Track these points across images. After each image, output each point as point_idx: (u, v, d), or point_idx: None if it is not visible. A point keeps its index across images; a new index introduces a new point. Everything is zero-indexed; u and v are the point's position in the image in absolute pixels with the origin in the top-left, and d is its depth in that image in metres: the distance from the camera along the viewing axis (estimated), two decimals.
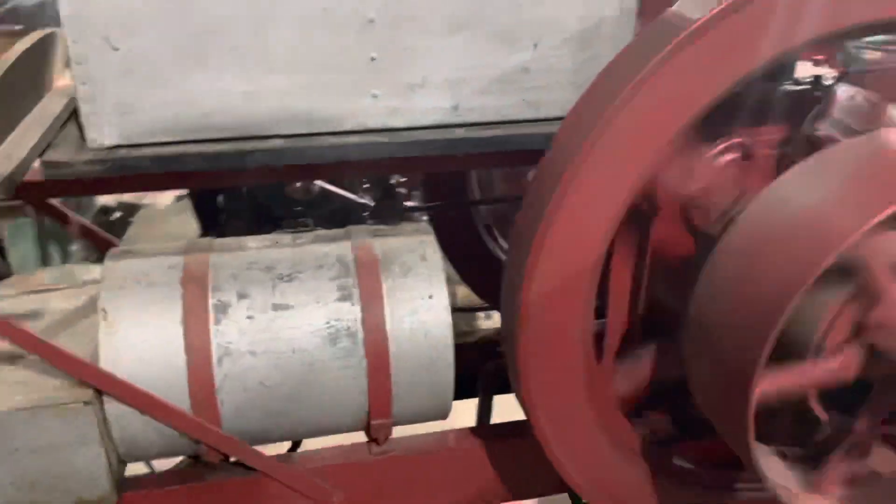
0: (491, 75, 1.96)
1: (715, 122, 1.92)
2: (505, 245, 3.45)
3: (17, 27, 3.37)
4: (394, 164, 2.02)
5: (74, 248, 4.79)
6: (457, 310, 2.12)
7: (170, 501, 2.11)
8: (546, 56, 1.96)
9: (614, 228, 1.87)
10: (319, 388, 2.01)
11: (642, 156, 1.81)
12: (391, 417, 2.09)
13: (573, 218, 1.82)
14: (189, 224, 4.36)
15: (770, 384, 1.64)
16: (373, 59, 1.88)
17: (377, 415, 2.07)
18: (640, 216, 2.01)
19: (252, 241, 2.17)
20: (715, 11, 1.68)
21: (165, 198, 5.32)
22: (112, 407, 1.89)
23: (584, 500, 2.34)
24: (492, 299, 3.42)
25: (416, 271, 2.08)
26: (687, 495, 2.23)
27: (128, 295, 1.96)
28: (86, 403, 1.85)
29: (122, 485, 2.05)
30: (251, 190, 3.85)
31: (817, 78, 2.14)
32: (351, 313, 2.00)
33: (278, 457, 2.20)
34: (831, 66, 2.29)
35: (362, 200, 3.60)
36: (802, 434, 1.92)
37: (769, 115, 2.09)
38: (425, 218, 3.39)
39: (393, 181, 3.21)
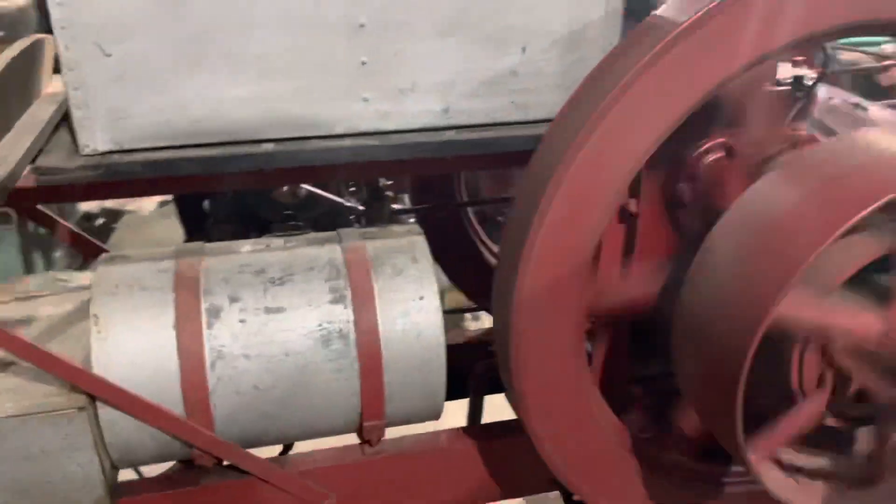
0: (480, 78, 1.98)
1: (699, 122, 1.95)
2: (493, 246, 3.48)
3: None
4: (385, 166, 2.03)
5: (58, 255, 4.76)
6: (445, 311, 2.13)
7: None
8: (534, 59, 1.99)
9: (603, 228, 1.90)
10: (312, 391, 2.02)
11: (629, 157, 1.84)
12: (384, 418, 2.10)
13: (563, 218, 1.84)
14: (174, 229, 4.35)
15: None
16: (364, 63, 1.89)
17: (370, 416, 2.08)
18: (627, 216, 2.04)
19: (243, 245, 2.17)
20: (700, 14, 1.71)
21: (149, 203, 5.30)
22: (105, 412, 1.89)
23: (575, 498, 2.37)
24: (481, 300, 3.45)
25: (408, 273, 2.09)
26: (679, 490, 2.26)
27: (120, 300, 1.96)
28: (79, 409, 1.85)
29: (116, 490, 2.04)
30: (237, 194, 3.85)
31: (798, 79, 2.18)
32: (343, 315, 2.01)
33: (271, 460, 2.21)
34: (810, 67, 2.33)
35: (349, 204, 3.61)
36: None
37: (752, 115, 2.13)
38: (412, 220, 3.41)
39: (381, 184, 3.23)
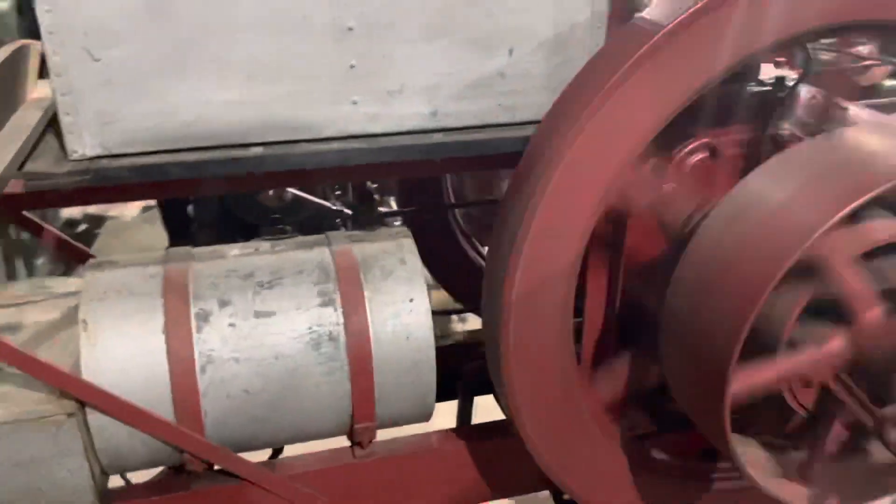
0: (468, 81, 2.00)
1: (683, 124, 1.98)
2: (480, 247, 3.49)
3: None
4: (374, 169, 2.04)
5: (40, 262, 4.70)
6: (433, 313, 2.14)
7: None
8: (521, 61, 2.01)
9: (590, 230, 1.92)
10: (303, 394, 2.02)
11: (616, 159, 1.86)
12: (375, 420, 2.11)
13: (550, 220, 1.86)
14: (158, 235, 4.33)
15: (743, 381, 1.69)
16: (352, 66, 1.90)
17: (361, 418, 2.08)
18: (614, 218, 2.06)
19: (231, 249, 2.17)
20: (684, 16, 1.73)
21: (132, 209, 5.27)
22: (95, 418, 1.89)
23: (566, 497, 2.38)
24: (468, 302, 3.46)
25: (397, 275, 2.10)
26: (669, 488, 2.28)
27: (108, 306, 1.95)
28: (68, 415, 1.84)
29: (106, 496, 2.03)
30: (221, 199, 3.84)
31: (780, 79, 2.22)
32: (333, 318, 2.01)
33: (262, 463, 2.21)
34: (792, 68, 2.37)
35: (335, 207, 3.61)
36: (777, 423, 1.98)
37: (735, 115, 2.16)
38: (397, 223, 3.42)
39: (368, 186, 3.23)
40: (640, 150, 1.88)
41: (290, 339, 1.99)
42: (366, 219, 2.82)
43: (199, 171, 1.88)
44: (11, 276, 4.67)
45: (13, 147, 1.82)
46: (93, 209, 5.19)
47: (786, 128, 2.18)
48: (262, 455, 2.34)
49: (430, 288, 2.16)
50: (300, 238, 2.27)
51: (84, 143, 1.82)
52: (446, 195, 3.42)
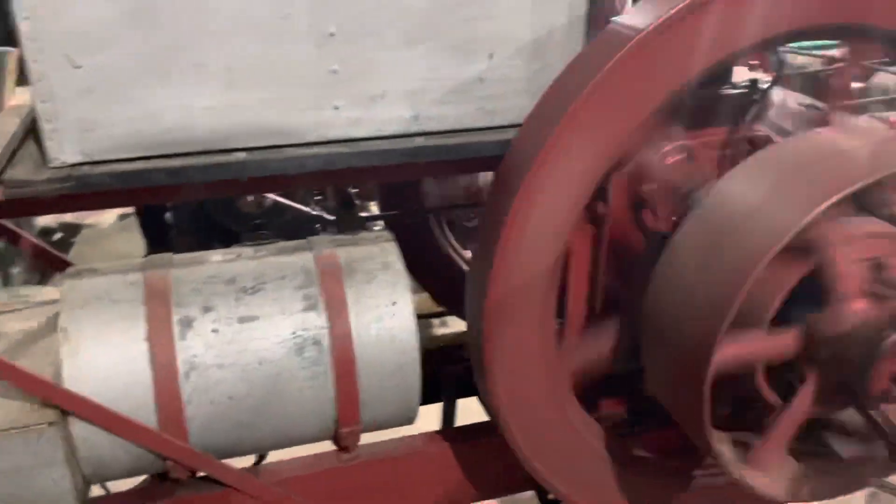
0: (448, 86, 2.01)
1: (661, 125, 2.01)
2: (462, 251, 3.51)
3: None
4: (356, 173, 2.05)
5: (16, 271, 4.65)
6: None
7: None
8: (501, 66, 2.03)
9: (570, 229, 1.94)
10: (287, 398, 2.02)
11: (595, 160, 1.89)
12: (359, 424, 2.11)
13: (532, 220, 1.88)
14: (135, 242, 4.30)
15: (727, 351, 1.71)
16: (334, 71, 1.91)
17: (345, 422, 2.09)
18: (595, 217, 2.09)
19: (213, 255, 2.16)
20: (660, 20, 1.77)
21: (109, 217, 5.22)
22: (77, 427, 1.87)
23: (550, 497, 2.40)
24: (450, 305, 3.48)
25: (380, 278, 2.11)
26: (651, 484, 2.31)
27: (89, 314, 1.94)
28: (50, 424, 1.83)
29: None
30: (201, 205, 3.82)
31: (753, 82, 2.26)
32: (316, 323, 2.02)
33: (247, 469, 2.20)
34: (765, 71, 2.41)
35: (315, 212, 3.61)
36: (753, 419, 2.01)
37: (710, 117, 2.20)
38: (376, 227, 3.43)
39: (349, 191, 3.24)
40: (619, 151, 1.91)
41: (273, 343, 1.99)
42: (348, 224, 2.83)
43: (182, 176, 1.87)
44: None
45: None
46: (69, 217, 5.13)
47: (761, 129, 2.22)
48: (247, 461, 2.34)
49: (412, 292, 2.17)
50: (282, 243, 2.27)
51: (65, 150, 1.81)
52: (426, 198, 3.42)
